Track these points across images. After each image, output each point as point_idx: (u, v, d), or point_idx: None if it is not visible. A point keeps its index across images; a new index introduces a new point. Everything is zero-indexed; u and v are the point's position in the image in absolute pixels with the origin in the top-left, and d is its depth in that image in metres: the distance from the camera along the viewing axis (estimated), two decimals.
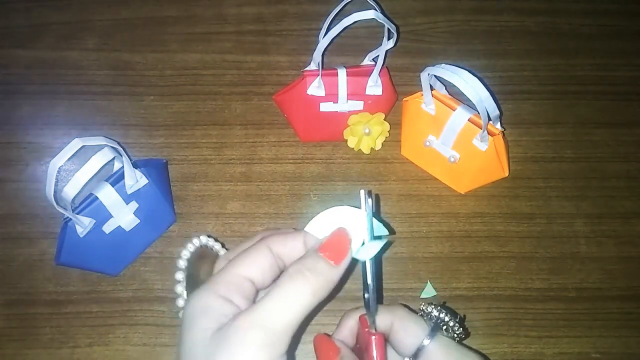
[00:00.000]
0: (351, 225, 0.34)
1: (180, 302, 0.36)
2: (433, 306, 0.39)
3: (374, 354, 0.34)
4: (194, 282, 0.37)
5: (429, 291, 0.50)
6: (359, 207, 0.34)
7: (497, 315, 0.49)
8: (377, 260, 0.36)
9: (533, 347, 0.48)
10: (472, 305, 0.50)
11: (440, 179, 0.54)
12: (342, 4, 0.50)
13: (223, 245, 0.42)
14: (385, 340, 0.37)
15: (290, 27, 0.62)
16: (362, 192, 0.34)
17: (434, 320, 0.38)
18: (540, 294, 0.50)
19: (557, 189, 0.55)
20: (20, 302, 0.49)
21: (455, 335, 0.38)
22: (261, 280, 0.33)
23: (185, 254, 0.38)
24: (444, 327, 0.38)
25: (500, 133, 0.50)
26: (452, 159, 0.51)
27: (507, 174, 0.51)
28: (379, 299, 0.49)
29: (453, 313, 0.38)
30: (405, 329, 0.37)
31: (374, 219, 0.35)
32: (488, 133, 0.48)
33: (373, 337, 0.35)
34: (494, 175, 0.52)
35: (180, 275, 0.37)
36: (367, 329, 0.36)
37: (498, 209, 0.54)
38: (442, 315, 0.38)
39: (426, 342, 0.36)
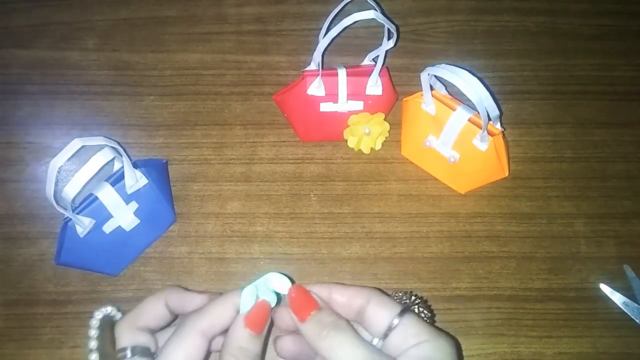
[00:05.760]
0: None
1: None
2: (402, 292, 0.42)
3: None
4: (103, 349, 0.37)
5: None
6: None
7: (497, 315, 0.49)
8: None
9: (533, 347, 0.48)
10: (472, 305, 0.50)
11: (440, 179, 0.54)
12: (342, 4, 0.50)
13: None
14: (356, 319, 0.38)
15: (290, 27, 0.62)
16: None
17: (404, 302, 0.41)
18: (540, 294, 0.50)
19: (557, 189, 0.55)
20: (20, 302, 0.49)
21: (424, 316, 0.41)
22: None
23: (94, 323, 0.38)
24: (413, 309, 0.41)
25: (500, 133, 0.50)
26: (452, 159, 0.51)
27: (507, 174, 0.51)
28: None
29: (419, 297, 0.42)
30: (380, 308, 0.38)
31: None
32: (488, 133, 0.48)
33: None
34: (494, 175, 0.52)
35: (93, 343, 0.37)
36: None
37: (498, 209, 0.54)
38: (412, 298, 0.41)
39: (396, 321, 0.37)
